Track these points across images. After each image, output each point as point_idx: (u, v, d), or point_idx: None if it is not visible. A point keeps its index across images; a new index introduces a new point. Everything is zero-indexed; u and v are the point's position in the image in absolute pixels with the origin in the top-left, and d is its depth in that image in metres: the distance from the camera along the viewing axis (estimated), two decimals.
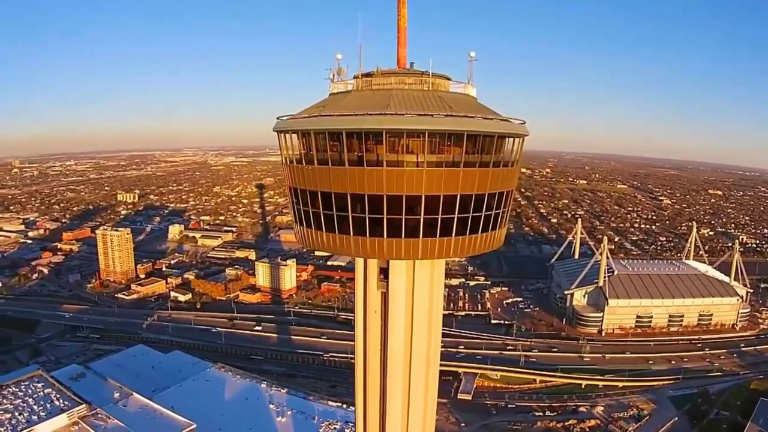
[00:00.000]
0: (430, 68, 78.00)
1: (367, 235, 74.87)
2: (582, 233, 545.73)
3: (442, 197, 72.67)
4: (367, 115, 70.53)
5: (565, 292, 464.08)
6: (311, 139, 75.88)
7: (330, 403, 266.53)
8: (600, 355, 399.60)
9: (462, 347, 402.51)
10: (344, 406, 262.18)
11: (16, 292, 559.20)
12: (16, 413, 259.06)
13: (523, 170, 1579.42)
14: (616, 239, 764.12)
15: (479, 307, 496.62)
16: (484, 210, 77.55)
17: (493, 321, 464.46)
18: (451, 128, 70.41)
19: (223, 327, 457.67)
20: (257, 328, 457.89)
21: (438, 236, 74.98)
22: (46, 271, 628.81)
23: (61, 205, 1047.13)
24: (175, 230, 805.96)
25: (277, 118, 79.61)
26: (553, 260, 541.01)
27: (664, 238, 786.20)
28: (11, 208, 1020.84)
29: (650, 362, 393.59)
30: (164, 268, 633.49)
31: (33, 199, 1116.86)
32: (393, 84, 78.69)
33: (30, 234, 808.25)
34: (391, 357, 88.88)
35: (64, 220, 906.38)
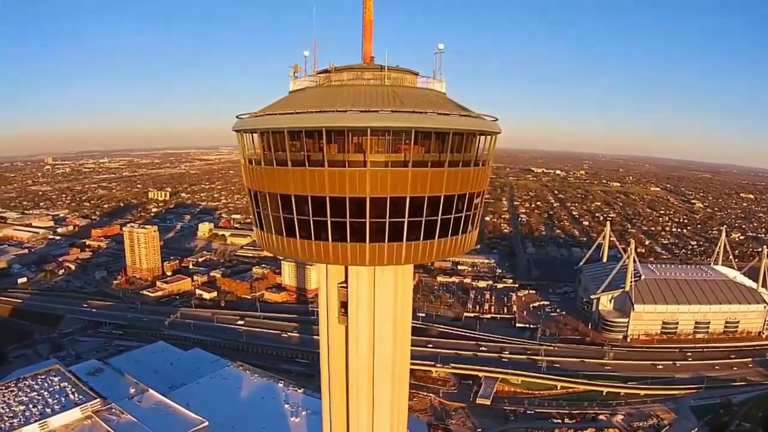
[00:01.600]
0: (385, 62, 75.27)
1: (329, 240, 72.36)
2: (611, 236, 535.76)
3: (408, 198, 70.15)
4: (306, 114, 68.48)
5: (591, 297, 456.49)
6: (265, 139, 73.66)
7: None
8: (623, 362, 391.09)
9: (484, 351, 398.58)
10: None
11: (42, 288, 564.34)
12: (30, 405, 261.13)
13: (558, 172, 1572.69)
14: (647, 242, 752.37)
15: (505, 311, 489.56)
16: (453, 212, 74.87)
17: (518, 324, 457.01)
18: (395, 125, 67.43)
19: (244, 325, 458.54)
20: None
21: (404, 240, 72.48)
22: (72, 267, 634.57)
23: (92, 202, 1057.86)
24: (204, 228, 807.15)
25: (237, 117, 76.95)
26: (581, 263, 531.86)
27: (695, 242, 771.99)
28: (41, 204, 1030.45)
29: (677, 365, 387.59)
30: (191, 266, 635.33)
31: (64, 195, 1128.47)
32: (347, 80, 76.42)
33: (59, 230, 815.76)
34: (352, 366, 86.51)
35: (94, 218, 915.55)
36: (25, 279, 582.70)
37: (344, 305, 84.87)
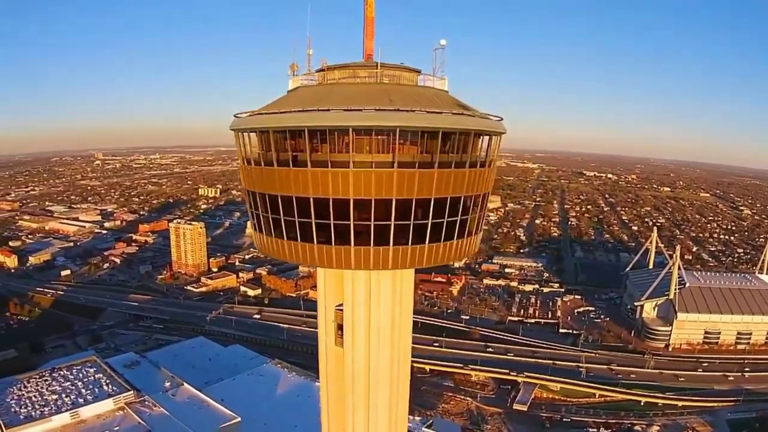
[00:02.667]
0: (379, 59, 72.38)
1: (314, 242, 70.34)
2: (658, 242, 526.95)
3: (394, 201, 67.19)
4: (287, 113, 67.06)
5: (636, 304, 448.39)
6: (255, 139, 72.51)
7: None
8: (663, 371, 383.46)
9: (524, 356, 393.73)
10: None
11: (85, 280, 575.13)
12: (63, 395, 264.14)
13: (609, 175, 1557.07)
14: (694, 249, 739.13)
15: (549, 315, 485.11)
16: (446, 216, 71.50)
17: (561, 330, 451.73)
18: (377, 124, 64.67)
19: (287, 323, 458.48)
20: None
21: (391, 245, 69.48)
22: (118, 261, 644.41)
23: (141, 197, 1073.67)
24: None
25: (234, 116, 74.70)
26: (627, 269, 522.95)
27: (742, 250, 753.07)
28: (89, 199, 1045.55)
29: (728, 375, 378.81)
30: (237, 263, 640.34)
31: (112, 191, 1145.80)
32: (341, 78, 74.48)
33: (106, 225, 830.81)
34: (347, 370, 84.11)
35: (142, 213, 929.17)
36: (68, 272, 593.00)
37: (340, 327, 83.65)
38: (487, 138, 74.11)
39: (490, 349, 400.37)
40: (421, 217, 69.22)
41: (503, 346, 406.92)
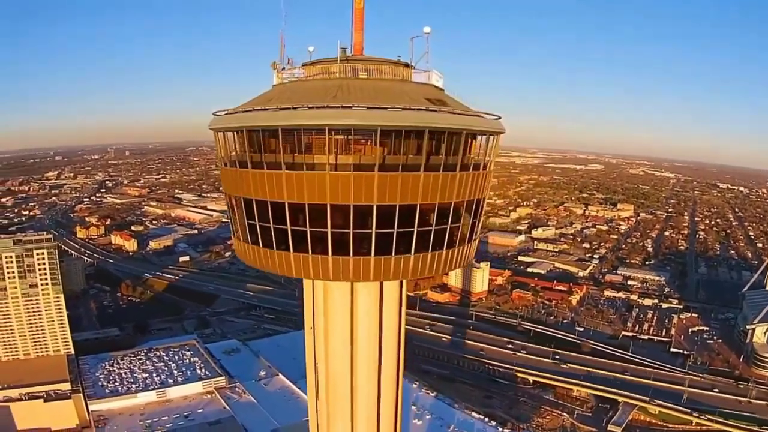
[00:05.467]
0: (342, 51, 66.07)
1: (290, 251, 64.85)
2: None
3: (375, 207, 61.00)
4: (237, 114, 63.92)
5: (747, 327, 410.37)
6: (235, 138, 67.33)
7: (473, 414, 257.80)
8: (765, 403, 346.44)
9: (628, 374, 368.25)
10: (486, 419, 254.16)
11: (204, 267, 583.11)
12: (154, 374, 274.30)
13: (741, 189, 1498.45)
14: None
15: (664, 333, 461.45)
16: (433, 224, 64.77)
17: (672, 349, 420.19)
18: (324, 123, 58.50)
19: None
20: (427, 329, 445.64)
21: (372, 255, 62.99)
22: None
23: None
24: None
25: (213, 114, 69.52)
26: (744, 289, 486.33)
27: None
28: (221, 188, 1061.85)
29: None
30: None
31: None
32: (316, 74, 68.72)
33: None
34: (331, 386, 78.81)
35: None
36: (187, 258, 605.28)
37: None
38: (483, 139, 67.14)
39: (595, 364, 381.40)
40: (404, 225, 62.72)
41: (610, 362, 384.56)
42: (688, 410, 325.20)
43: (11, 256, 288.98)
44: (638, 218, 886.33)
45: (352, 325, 74.31)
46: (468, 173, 65.17)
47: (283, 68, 69.85)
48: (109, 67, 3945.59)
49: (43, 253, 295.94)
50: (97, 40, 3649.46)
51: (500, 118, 68.67)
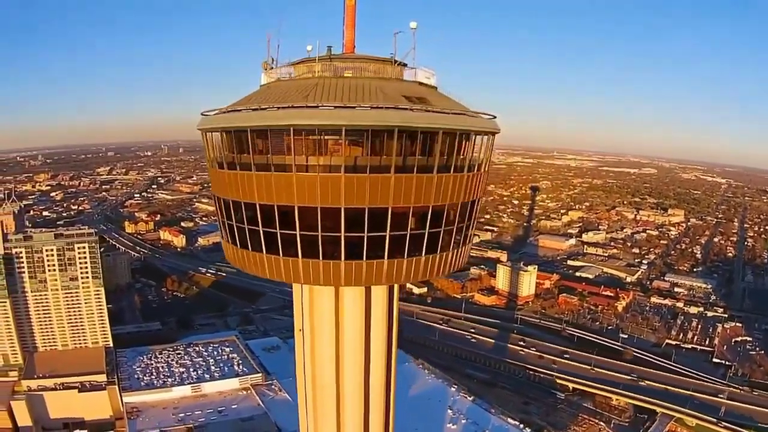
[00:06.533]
0: (313, 50, 65.61)
1: (281, 255, 64.06)
2: None
3: (343, 210, 59.82)
4: (209, 116, 63.87)
5: None
6: (223, 139, 66.54)
7: (509, 420, 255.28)
8: None
9: (668, 383, 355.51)
10: (521, 426, 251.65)
11: None
12: (191, 369, 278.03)
13: None
14: None
15: (707, 342, 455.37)
16: (408, 228, 63.17)
17: (714, 359, 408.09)
18: (284, 123, 58.09)
19: (441, 324, 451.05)
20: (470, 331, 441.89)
21: (342, 259, 62.33)
22: None
23: None
24: None
25: (202, 114, 68.62)
26: None
27: None
28: None
29: None
30: None
31: None
32: (302, 74, 67.86)
33: None
34: (318, 390, 78.74)
35: None
36: None
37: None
38: (476, 139, 65.67)
39: (636, 373, 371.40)
40: (375, 230, 61.13)
41: (651, 370, 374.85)
42: (725, 423, 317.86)
43: (52, 250, 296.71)
44: (688, 224, 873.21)
45: (337, 329, 74.09)
46: (451, 175, 63.64)
47: (271, 68, 69.17)
48: (166, 66, 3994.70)
49: (84, 247, 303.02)
50: (157, 38, 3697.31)
51: (495, 117, 67.30)
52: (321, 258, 62.05)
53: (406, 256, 64.03)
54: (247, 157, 61.14)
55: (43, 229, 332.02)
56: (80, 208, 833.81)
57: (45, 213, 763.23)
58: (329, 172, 58.81)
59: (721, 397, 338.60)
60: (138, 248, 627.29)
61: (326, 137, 58.90)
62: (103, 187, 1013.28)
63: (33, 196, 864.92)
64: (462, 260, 73.17)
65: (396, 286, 78.23)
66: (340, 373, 76.17)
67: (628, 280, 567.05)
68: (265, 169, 60.34)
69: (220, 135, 65.21)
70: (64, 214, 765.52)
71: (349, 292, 71.66)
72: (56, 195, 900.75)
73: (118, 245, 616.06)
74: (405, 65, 68.26)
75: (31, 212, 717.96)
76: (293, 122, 57.29)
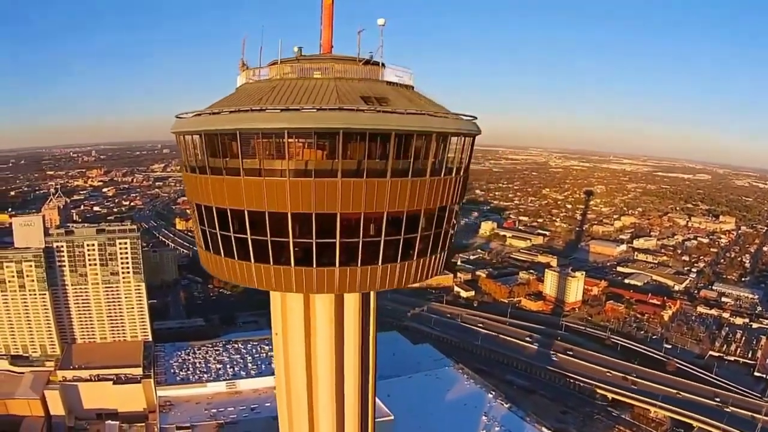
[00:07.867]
0: (298, 50, 65.71)
1: (252, 261, 63.46)
2: None
3: (314, 216, 59.21)
4: (184, 118, 63.72)
5: None
6: (195, 143, 66.07)
7: (543, 429, 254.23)
8: None
9: (709, 397, 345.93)
10: None
11: None
12: (228, 366, 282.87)
13: None
14: None
15: (750, 355, 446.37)
16: (382, 235, 62.31)
17: (756, 373, 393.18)
18: (231, 127, 58.39)
19: (484, 328, 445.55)
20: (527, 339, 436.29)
21: (314, 266, 61.80)
22: None
23: None
24: (486, 227, 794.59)
25: (176, 117, 68.13)
26: None
27: None
28: None
29: None
30: (459, 263, 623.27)
31: None
32: (273, 75, 66.29)
33: None
34: (293, 401, 78.71)
35: None
36: None
37: None
38: (454, 141, 64.47)
39: (676, 385, 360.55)
40: (347, 236, 60.50)
41: (691, 382, 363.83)
42: None
43: (93, 245, 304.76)
44: (739, 231, 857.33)
45: (307, 337, 73.80)
46: (427, 179, 62.68)
47: (246, 68, 68.49)
48: (225, 63, 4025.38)
49: (125, 243, 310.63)
50: (208, 35, 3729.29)
51: (476, 118, 66.05)
52: (293, 265, 61.61)
53: (380, 263, 63.31)
54: (217, 161, 61.07)
55: (86, 224, 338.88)
56: (132, 204, 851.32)
57: (96, 208, 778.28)
58: (296, 176, 58.18)
59: (758, 414, 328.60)
60: (187, 245, 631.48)
61: (289, 140, 58.23)
62: (156, 183, 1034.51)
63: (84, 192, 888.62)
64: (440, 267, 72.37)
65: (372, 294, 77.88)
66: (313, 381, 76.10)
67: (676, 288, 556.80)
68: (235, 173, 59.98)
69: (191, 139, 64.96)
70: (115, 210, 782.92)
71: (318, 299, 71.31)
72: (108, 191, 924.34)
73: (167, 241, 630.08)
74: (377, 64, 65.89)
75: (82, 207, 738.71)
76: (239, 126, 57.42)
